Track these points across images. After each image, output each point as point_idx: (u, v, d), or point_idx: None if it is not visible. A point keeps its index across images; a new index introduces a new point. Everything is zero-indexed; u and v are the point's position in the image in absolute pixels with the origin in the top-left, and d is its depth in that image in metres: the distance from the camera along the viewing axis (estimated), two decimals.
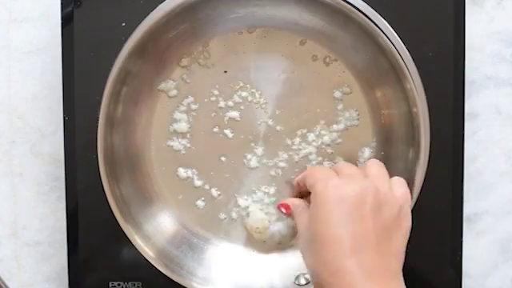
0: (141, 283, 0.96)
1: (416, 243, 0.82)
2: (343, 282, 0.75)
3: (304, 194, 0.90)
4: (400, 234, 0.80)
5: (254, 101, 0.94)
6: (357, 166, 0.89)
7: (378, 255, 0.76)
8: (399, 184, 0.83)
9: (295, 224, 0.86)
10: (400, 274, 0.78)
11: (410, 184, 0.87)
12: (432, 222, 0.92)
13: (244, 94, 0.94)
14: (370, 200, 0.78)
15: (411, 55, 0.86)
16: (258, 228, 0.95)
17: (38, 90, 0.99)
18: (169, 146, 0.96)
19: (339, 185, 0.79)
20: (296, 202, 0.87)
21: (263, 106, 0.94)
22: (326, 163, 0.95)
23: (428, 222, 0.84)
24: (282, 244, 0.97)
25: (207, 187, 0.96)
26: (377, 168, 0.84)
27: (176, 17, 0.88)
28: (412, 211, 0.83)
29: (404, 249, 0.80)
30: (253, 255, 0.97)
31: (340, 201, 0.78)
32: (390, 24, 0.86)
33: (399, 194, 0.81)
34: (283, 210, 0.89)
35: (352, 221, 0.77)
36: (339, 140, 0.95)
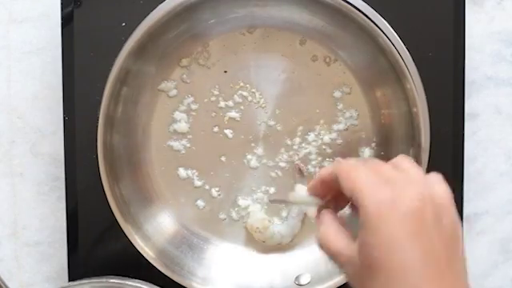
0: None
1: None
2: None
3: (331, 190, 0.70)
4: (460, 242, 0.65)
5: (254, 101, 0.93)
6: None
7: (449, 270, 0.63)
8: (440, 182, 0.66)
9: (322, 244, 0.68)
10: (466, 273, 0.65)
11: None
12: None
13: (244, 93, 0.93)
14: (430, 209, 0.63)
15: (411, 55, 0.85)
16: (258, 228, 0.94)
17: (38, 90, 0.98)
18: (169, 145, 0.94)
19: (394, 198, 0.62)
20: (326, 220, 0.70)
21: (263, 106, 0.93)
22: (326, 163, 0.93)
23: None
24: (281, 244, 0.95)
25: (207, 187, 0.95)
26: (416, 169, 0.67)
27: (176, 17, 0.87)
28: None
29: (466, 263, 0.65)
30: (253, 255, 0.96)
31: (402, 217, 0.62)
32: (390, 24, 0.84)
33: (448, 195, 0.65)
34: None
35: (417, 239, 0.61)
36: (339, 140, 0.93)
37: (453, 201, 0.65)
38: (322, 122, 0.93)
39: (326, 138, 0.93)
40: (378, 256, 0.62)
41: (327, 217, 0.69)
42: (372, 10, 0.84)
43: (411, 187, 0.63)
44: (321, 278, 0.91)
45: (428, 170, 0.78)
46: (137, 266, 0.92)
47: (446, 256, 0.62)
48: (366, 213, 0.63)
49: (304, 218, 0.94)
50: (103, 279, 0.91)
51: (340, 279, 0.88)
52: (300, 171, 0.92)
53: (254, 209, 0.95)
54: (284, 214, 0.95)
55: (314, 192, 0.72)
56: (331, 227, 0.68)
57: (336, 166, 0.68)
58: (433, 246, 0.62)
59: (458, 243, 0.64)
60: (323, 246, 0.68)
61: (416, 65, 0.85)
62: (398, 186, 0.63)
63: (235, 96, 0.93)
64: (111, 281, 0.90)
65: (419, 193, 0.63)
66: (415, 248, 0.61)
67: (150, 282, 0.91)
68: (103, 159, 0.89)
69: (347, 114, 0.92)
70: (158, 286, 0.91)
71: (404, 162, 0.67)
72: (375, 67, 0.87)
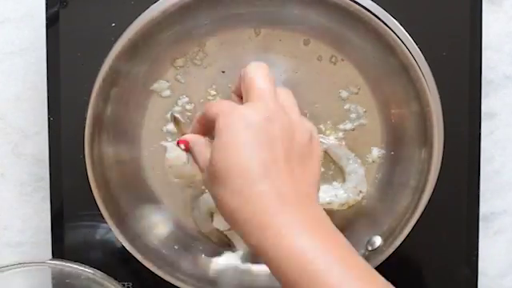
0: (131, 283, 0.89)
1: (431, 242, 0.77)
2: (254, 208, 0.65)
3: (206, 133, 0.76)
4: (313, 162, 0.70)
5: None
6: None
7: (291, 180, 0.67)
8: (294, 111, 0.72)
9: (195, 162, 0.74)
10: (317, 201, 0.70)
11: (423, 185, 0.80)
12: (447, 221, 0.88)
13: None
14: (279, 125, 0.67)
15: (424, 55, 0.80)
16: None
17: (21, 91, 0.92)
18: (162, 146, 0.88)
19: (244, 112, 0.68)
20: (195, 138, 0.75)
21: None
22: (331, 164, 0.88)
23: (443, 222, 0.79)
24: None
25: (204, 188, 0.88)
26: (285, 95, 0.73)
27: (170, 17, 0.81)
28: (426, 211, 0.78)
29: (319, 177, 0.71)
30: (253, 255, 0.89)
31: (246, 127, 0.67)
32: (402, 24, 0.79)
33: (308, 123, 0.73)
34: (182, 146, 0.76)
35: (260, 146, 0.66)
36: (346, 140, 0.87)
37: (316, 131, 0.73)
38: (328, 122, 0.87)
39: (332, 138, 0.87)
40: (221, 157, 0.67)
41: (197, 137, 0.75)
42: (381, 9, 0.79)
43: (266, 106, 0.69)
44: None
45: (443, 170, 0.77)
46: (127, 267, 0.88)
47: (287, 167, 0.67)
48: (218, 124, 0.68)
49: None
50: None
51: None
52: (176, 120, 0.85)
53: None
54: None
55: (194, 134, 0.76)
56: (201, 138, 0.74)
57: (205, 106, 0.74)
58: (275, 155, 0.66)
59: (309, 165, 0.69)
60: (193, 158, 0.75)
61: (430, 64, 0.80)
62: (253, 106, 0.69)
63: (233, 96, 0.85)
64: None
65: (271, 109, 0.68)
66: (255, 152, 0.66)
67: (141, 283, 0.88)
68: (90, 159, 0.83)
69: (354, 114, 0.86)
70: (148, 286, 0.87)
71: (280, 94, 0.73)
72: (385, 67, 0.82)
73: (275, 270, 0.65)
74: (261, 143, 0.66)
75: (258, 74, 0.73)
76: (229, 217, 0.68)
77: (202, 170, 0.72)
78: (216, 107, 0.71)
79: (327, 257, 0.63)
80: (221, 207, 0.68)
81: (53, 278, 0.86)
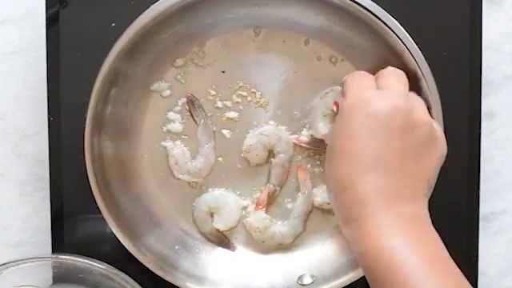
0: None
1: None
2: (354, 198, 0.67)
3: None
4: (431, 161, 0.71)
5: (254, 101, 0.87)
6: None
7: (400, 177, 0.68)
8: (420, 104, 0.73)
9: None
10: (424, 199, 0.70)
11: None
12: (447, 221, 0.86)
13: (243, 93, 0.87)
14: (401, 119, 0.68)
15: (424, 55, 0.79)
16: (258, 228, 0.88)
17: (21, 91, 0.91)
18: (162, 146, 0.88)
19: (370, 99, 0.70)
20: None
21: (264, 105, 0.87)
22: None
23: (443, 222, 0.77)
24: (282, 244, 0.89)
25: (204, 188, 0.89)
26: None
27: (170, 17, 0.81)
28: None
29: (434, 177, 0.71)
30: (253, 256, 0.89)
31: (367, 115, 0.68)
32: (401, 23, 0.79)
33: (434, 123, 0.73)
34: (334, 109, 0.77)
35: (376, 138, 0.68)
36: None
37: (442, 130, 0.74)
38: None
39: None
40: (337, 138, 0.70)
41: None
42: (381, 9, 0.78)
43: (395, 96, 0.70)
44: (325, 278, 0.85)
45: (443, 170, 0.75)
46: (127, 267, 0.85)
47: (400, 163, 0.68)
48: (343, 104, 0.71)
49: (307, 219, 0.88)
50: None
51: (345, 279, 0.84)
52: (192, 102, 0.86)
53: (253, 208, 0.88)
54: (286, 213, 0.88)
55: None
56: None
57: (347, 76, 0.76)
58: (389, 149, 0.67)
59: (425, 164, 0.70)
60: None
61: (430, 64, 0.79)
62: (379, 93, 0.71)
63: (234, 96, 0.86)
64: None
65: (397, 100, 0.69)
66: (369, 141, 0.67)
67: (142, 283, 0.85)
68: (90, 159, 0.83)
69: None
70: (149, 286, 0.85)
71: (390, 76, 0.74)
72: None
73: (363, 264, 0.66)
74: (378, 134, 0.68)
75: (394, 71, 0.75)
76: (332, 198, 0.70)
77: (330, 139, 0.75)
78: (348, 83, 0.74)
79: (416, 259, 0.63)
80: (328, 187, 0.72)
81: (65, 273, 0.85)
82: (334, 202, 0.70)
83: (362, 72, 0.77)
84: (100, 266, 0.84)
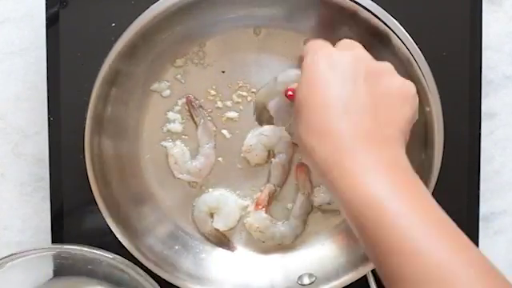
0: None
1: None
2: (331, 144, 0.66)
3: None
4: (405, 109, 0.70)
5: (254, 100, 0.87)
6: None
7: (371, 120, 0.67)
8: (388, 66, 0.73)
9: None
10: (401, 145, 0.69)
11: (424, 184, 0.78)
12: None
13: (243, 93, 0.86)
14: (365, 66, 0.69)
15: (425, 55, 0.79)
16: (258, 227, 0.87)
17: (21, 91, 0.91)
18: (162, 146, 0.88)
19: (331, 52, 0.71)
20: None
21: None
22: None
23: None
24: (282, 244, 0.89)
25: (204, 188, 0.89)
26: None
27: (170, 17, 0.81)
28: None
29: (408, 125, 0.70)
30: (253, 256, 0.89)
31: (330, 66, 0.69)
32: (400, 23, 0.79)
33: (401, 78, 0.72)
34: (290, 93, 0.79)
35: (343, 85, 0.67)
36: None
37: (404, 80, 0.71)
38: None
39: None
40: (304, 93, 0.69)
41: None
42: (381, 9, 0.78)
43: (355, 49, 0.71)
44: (325, 278, 0.85)
45: (443, 170, 0.77)
46: None
47: (372, 105, 0.67)
48: (305, 60, 0.71)
49: (307, 219, 0.88)
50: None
51: (345, 279, 0.84)
52: (191, 103, 0.86)
53: (254, 208, 0.88)
54: (286, 213, 0.88)
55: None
56: None
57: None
58: (358, 92, 0.67)
59: (398, 110, 0.69)
60: None
61: (430, 64, 0.79)
62: (340, 47, 0.72)
63: (234, 96, 0.86)
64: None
65: (359, 52, 0.71)
66: (337, 88, 0.67)
67: None
68: (90, 159, 0.83)
69: None
70: None
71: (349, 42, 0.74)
72: None
73: (348, 212, 0.65)
74: (343, 81, 0.68)
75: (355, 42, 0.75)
76: (308, 155, 0.68)
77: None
78: (308, 45, 0.74)
79: (404, 205, 0.62)
80: (301, 145, 0.69)
81: (74, 264, 0.85)
82: (310, 158, 0.68)
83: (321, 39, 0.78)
84: (108, 255, 0.83)
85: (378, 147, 0.66)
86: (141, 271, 0.82)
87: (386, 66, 0.71)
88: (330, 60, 0.69)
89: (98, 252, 0.83)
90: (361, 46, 0.74)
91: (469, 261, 0.61)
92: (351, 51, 0.71)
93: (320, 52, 0.71)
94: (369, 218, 0.62)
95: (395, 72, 0.71)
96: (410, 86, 0.71)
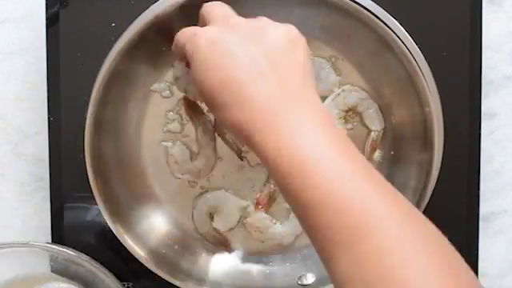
0: (131, 283, 0.89)
1: None
2: (251, 113, 0.63)
3: None
4: (297, 57, 0.67)
5: None
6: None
7: (277, 78, 0.64)
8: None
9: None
10: (310, 88, 0.65)
11: (423, 185, 0.80)
12: (447, 221, 0.84)
13: None
14: (243, 32, 0.67)
15: (424, 55, 0.80)
16: (258, 228, 0.88)
17: (21, 91, 0.91)
18: (163, 146, 0.87)
19: (204, 30, 0.67)
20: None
21: None
22: None
23: (443, 222, 0.77)
24: (282, 244, 0.89)
25: (204, 188, 0.89)
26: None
27: (170, 17, 0.80)
28: (427, 210, 0.78)
29: (308, 68, 0.67)
30: (253, 255, 0.89)
31: (207, 44, 0.65)
32: (400, 23, 0.79)
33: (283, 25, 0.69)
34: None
35: (228, 56, 0.65)
36: None
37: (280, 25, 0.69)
38: None
39: None
40: (199, 82, 0.66)
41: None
42: (381, 9, 0.79)
43: (222, 22, 0.68)
44: (325, 278, 0.85)
45: (443, 170, 0.77)
46: (127, 267, 0.87)
47: (268, 68, 0.64)
48: (187, 51, 0.68)
49: None
50: None
51: None
52: (188, 103, 0.85)
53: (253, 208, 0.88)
54: (286, 213, 0.88)
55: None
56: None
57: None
58: (253, 61, 0.64)
59: (292, 63, 0.66)
60: None
61: (430, 64, 0.80)
62: (210, 24, 0.69)
63: None
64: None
65: (228, 22, 0.68)
66: (225, 66, 0.64)
67: (141, 283, 0.88)
68: (90, 159, 0.82)
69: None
70: (149, 286, 0.87)
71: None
72: (385, 67, 0.82)
73: (279, 177, 0.62)
74: (235, 53, 0.65)
75: (216, 4, 0.72)
76: (237, 134, 0.65)
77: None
78: (181, 37, 0.70)
79: (336, 162, 0.59)
80: (227, 127, 0.66)
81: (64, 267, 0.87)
82: (232, 127, 0.65)
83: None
84: (63, 249, 0.84)
85: (294, 104, 0.63)
86: (96, 264, 0.84)
87: (262, 21, 0.69)
88: (206, 38, 0.66)
89: (52, 247, 0.85)
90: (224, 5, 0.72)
91: (399, 212, 0.59)
92: (222, 22, 0.68)
93: (195, 36, 0.67)
94: (307, 182, 0.59)
95: (271, 22, 0.69)
96: (291, 29, 0.69)
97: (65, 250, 0.85)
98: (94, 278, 0.85)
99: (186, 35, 0.69)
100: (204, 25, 0.70)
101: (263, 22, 0.69)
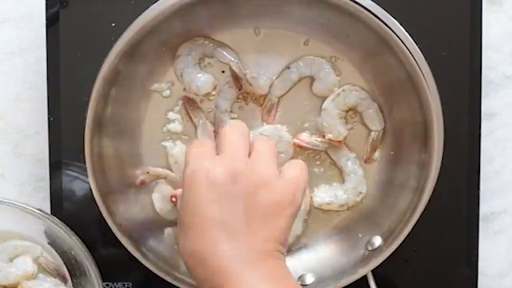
0: (131, 283, 0.89)
1: (431, 242, 0.75)
2: (212, 270, 0.67)
3: None
4: (283, 217, 0.70)
5: (254, 100, 0.87)
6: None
7: (249, 241, 0.68)
8: (292, 166, 0.74)
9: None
10: (279, 254, 0.70)
11: (423, 185, 0.80)
12: (447, 221, 0.86)
13: (243, 93, 0.86)
14: (243, 186, 0.69)
15: (425, 55, 0.79)
16: None
17: (21, 91, 0.91)
18: (163, 146, 0.87)
19: (210, 169, 0.70)
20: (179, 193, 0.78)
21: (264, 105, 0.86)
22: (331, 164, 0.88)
23: (443, 222, 0.78)
24: None
25: None
26: (264, 147, 0.74)
27: (170, 17, 0.80)
28: (426, 211, 0.78)
29: (284, 233, 0.71)
30: None
31: (208, 186, 0.69)
32: (401, 24, 0.79)
33: (289, 177, 0.72)
34: (173, 200, 0.82)
35: (220, 207, 0.69)
36: (346, 140, 0.86)
37: (299, 187, 0.72)
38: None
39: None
40: (186, 215, 0.70)
41: None
42: (381, 9, 0.78)
43: (235, 161, 0.70)
44: (325, 278, 0.85)
45: (443, 170, 0.77)
46: (127, 267, 0.87)
47: (246, 226, 0.68)
48: (185, 173, 0.71)
49: (306, 218, 0.88)
50: None
51: (345, 279, 0.83)
52: (189, 103, 0.86)
53: None
54: None
55: None
56: None
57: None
58: (234, 215, 0.68)
59: (276, 222, 0.70)
60: None
61: (430, 64, 0.79)
62: (216, 161, 0.71)
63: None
64: None
65: (238, 166, 0.70)
66: (215, 212, 0.68)
67: (141, 283, 0.88)
68: (90, 159, 0.82)
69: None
70: (148, 286, 0.87)
71: (260, 144, 0.74)
72: (385, 67, 0.82)
73: None
74: (221, 204, 0.68)
75: (234, 130, 0.74)
76: (189, 269, 0.70)
77: None
78: (188, 154, 0.73)
79: None
80: (183, 257, 0.71)
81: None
82: (193, 276, 0.70)
83: (200, 141, 0.82)
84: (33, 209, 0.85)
85: (259, 265, 0.67)
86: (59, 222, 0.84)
87: (264, 177, 0.71)
88: (208, 179, 0.69)
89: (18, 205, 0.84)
90: (243, 133, 0.74)
91: None
92: (229, 163, 0.70)
93: (199, 169, 0.70)
94: None
95: (273, 179, 0.71)
96: (287, 194, 0.71)
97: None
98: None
99: (192, 157, 0.72)
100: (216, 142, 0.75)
101: (264, 177, 0.71)
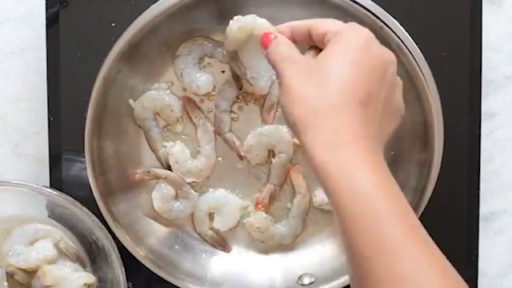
0: (131, 283, 0.88)
1: None
2: (341, 128, 0.62)
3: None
4: (394, 126, 0.68)
5: (254, 100, 0.87)
6: None
7: (379, 124, 0.65)
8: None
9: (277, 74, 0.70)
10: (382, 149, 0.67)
11: (423, 185, 0.81)
12: (447, 221, 0.86)
13: (244, 93, 0.86)
14: (392, 71, 0.66)
15: (425, 55, 0.79)
16: (258, 227, 0.87)
17: (21, 91, 0.91)
18: (163, 146, 0.87)
19: (371, 40, 0.67)
20: (285, 48, 0.70)
21: (264, 105, 0.86)
22: None
23: (443, 222, 0.78)
24: (282, 244, 0.89)
25: (204, 188, 0.88)
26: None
27: (170, 17, 0.81)
28: (426, 211, 0.78)
29: (392, 128, 0.69)
30: (253, 256, 0.89)
31: (367, 48, 0.66)
32: (402, 24, 0.79)
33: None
34: (271, 36, 0.71)
35: (372, 76, 0.64)
36: None
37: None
38: None
39: None
40: (340, 64, 0.64)
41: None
42: (381, 9, 0.78)
43: (384, 49, 0.68)
44: (325, 278, 0.85)
45: (443, 170, 0.77)
46: (127, 267, 0.85)
47: (382, 114, 0.65)
48: (339, 33, 0.66)
49: (306, 219, 0.88)
50: None
51: (345, 279, 0.83)
52: (188, 104, 0.86)
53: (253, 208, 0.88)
54: (286, 213, 0.88)
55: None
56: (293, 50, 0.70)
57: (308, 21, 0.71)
58: (379, 92, 0.64)
59: (393, 121, 0.68)
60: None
61: (430, 64, 0.80)
62: (351, 29, 0.67)
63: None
64: None
65: (391, 56, 0.67)
66: (369, 77, 0.64)
67: (141, 283, 0.88)
68: (90, 159, 0.82)
69: None
70: (149, 286, 0.87)
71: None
72: None
73: (334, 202, 0.64)
74: (375, 75, 0.64)
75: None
76: (294, 127, 0.65)
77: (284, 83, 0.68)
78: (327, 22, 0.68)
79: (386, 206, 0.61)
80: (294, 129, 0.65)
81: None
82: (301, 133, 0.64)
83: None
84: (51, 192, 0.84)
85: (374, 148, 0.64)
86: (80, 205, 0.84)
87: (399, 80, 0.69)
88: (373, 49, 0.66)
89: (39, 188, 0.84)
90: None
91: (434, 264, 0.63)
92: (380, 52, 0.67)
93: (362, 34, 0.67)
94: (355, 210, 0.62)
95: (400, 87, 0.69)
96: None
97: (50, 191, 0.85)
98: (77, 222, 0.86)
99: (332, 27, 0.68)
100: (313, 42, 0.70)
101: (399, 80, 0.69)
